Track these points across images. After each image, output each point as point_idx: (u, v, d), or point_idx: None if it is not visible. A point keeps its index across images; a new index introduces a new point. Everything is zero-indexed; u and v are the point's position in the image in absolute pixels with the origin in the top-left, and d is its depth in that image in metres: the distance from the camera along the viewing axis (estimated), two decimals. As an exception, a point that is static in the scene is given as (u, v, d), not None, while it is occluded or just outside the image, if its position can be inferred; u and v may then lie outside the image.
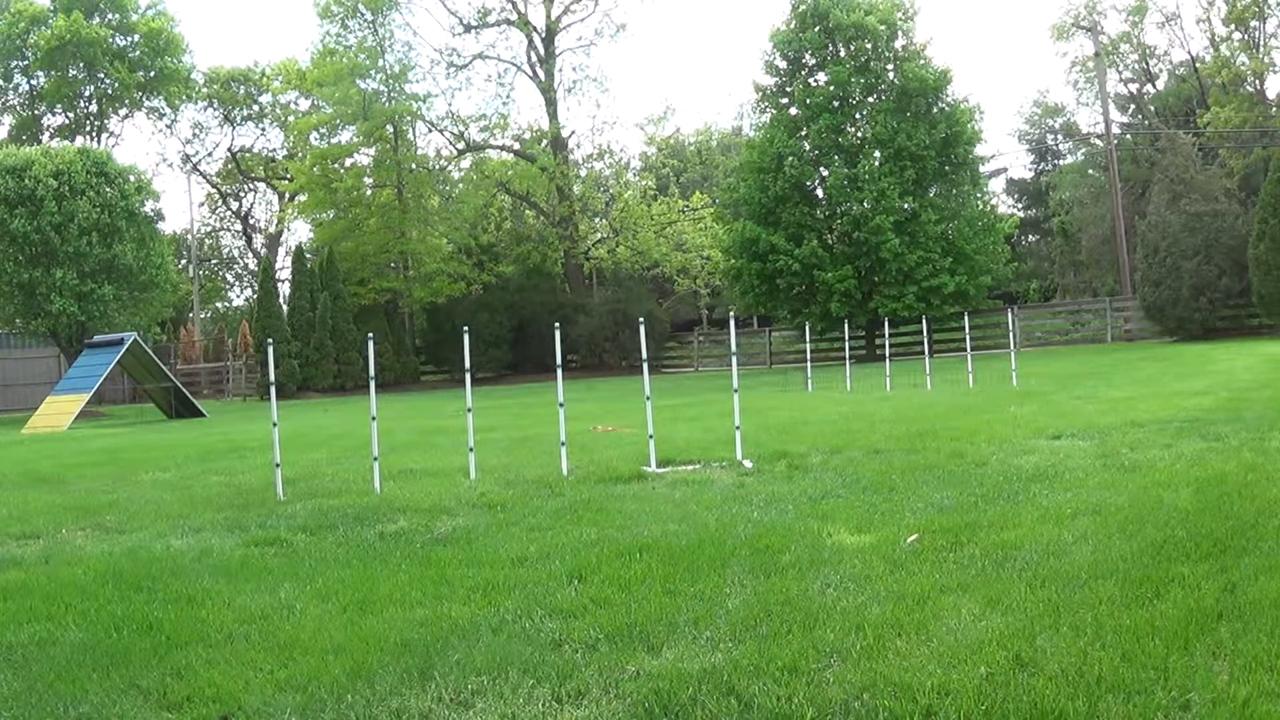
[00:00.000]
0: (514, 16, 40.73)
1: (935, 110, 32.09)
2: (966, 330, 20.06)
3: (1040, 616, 3.55)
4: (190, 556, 5.66)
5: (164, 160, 71.73)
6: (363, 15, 38.79)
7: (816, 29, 32.54)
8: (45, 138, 41.94)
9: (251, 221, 55.71)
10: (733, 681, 3.13)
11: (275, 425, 8.20)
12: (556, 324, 9.17)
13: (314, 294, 35.47)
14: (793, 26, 33.21)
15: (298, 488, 8.17)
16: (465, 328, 10.35)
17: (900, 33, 32.79)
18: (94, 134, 44.40)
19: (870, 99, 32.59)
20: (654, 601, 4.08)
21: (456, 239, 38.92)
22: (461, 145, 41.95)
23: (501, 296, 38.73)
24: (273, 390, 8.84)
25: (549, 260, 40.78)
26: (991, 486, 6.27)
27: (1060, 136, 50.26)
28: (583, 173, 43.43)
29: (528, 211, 43.49)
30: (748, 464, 8.14)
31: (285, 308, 36.57)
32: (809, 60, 33.43)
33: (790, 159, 31.69)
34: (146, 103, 45.52)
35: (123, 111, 45.92)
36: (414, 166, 39.98)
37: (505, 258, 40.27)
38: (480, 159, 42.46)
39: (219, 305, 56.06)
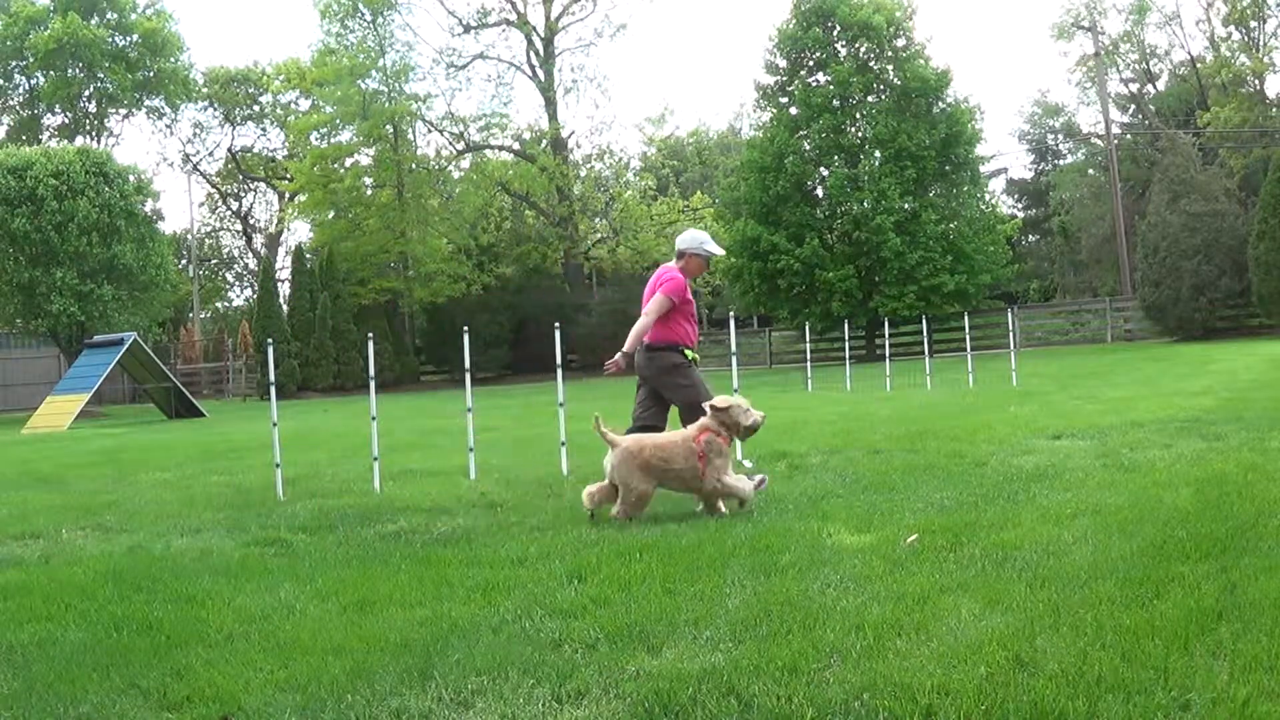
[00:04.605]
0: (513, 17, 40.75)
1: (935, 110, 32.11)
2: (966, 330, 20.04)
3: (1040, 616, 3.55)
4: (190, 556, 5.66)
5: (164, 160, 71.89)
6: (362, 15, 38.79)
7: (818, 28, 32.55)
8: (45, 138, 41.94)
9: (251, 221, 55.73)
10: (733, 681, 3.12)
11: (275, 425, 8.20)
12: (556, 324, 9.16)
13: (314, 294, 35.48)
14: (793, 26, 33.22)
15: (298, 488, 8.17)
16: (465, 328, 10.34)
17: (901, 32, 32.82)
18: (94, 134, 44.39)
19: (870, 99, 32.59)
20: (654, 601, 4.08)
21: (456, 239, 38.91)
22: (461, 145, 41.94)
23: (501, 296, 38.72)
24: (272, 390, 8.83)
25: (549, 260, 40.77)
26: (991, 486, 6.27)
27: (1060, 136, 50.27)
28: (582, 173, 43.44)
29: (528, 211, 43.48)
30: (747, 464, 8.14)
31: (285, 308, 36.56)
32: (810, 59, 33.43)
33: (791, 158, 31.70)
34: (146, 103, 45.53)
35: (122, 111, 45.94)
36: (414, 166, 39.96)
37: (505, 258, 40.25)
38: (480, 159, 42.46)
39: (219, 305, 56.02)
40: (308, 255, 38.43)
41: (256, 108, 50.50)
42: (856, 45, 32.75)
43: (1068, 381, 16.07)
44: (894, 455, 8.02)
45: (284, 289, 41.10)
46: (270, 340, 9.76)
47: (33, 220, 26.11)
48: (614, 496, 5.99)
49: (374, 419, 8.33)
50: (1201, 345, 24.67)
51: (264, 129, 51.12)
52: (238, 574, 5.11)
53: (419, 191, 39.36)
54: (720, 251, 7.45)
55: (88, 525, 6.96)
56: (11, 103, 44.45)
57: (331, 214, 40.07)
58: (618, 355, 6.90)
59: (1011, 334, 20.08)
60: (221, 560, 5.49)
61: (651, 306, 6.87)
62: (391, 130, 38.96)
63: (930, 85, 31.72)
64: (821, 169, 32.76)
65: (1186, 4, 70.08)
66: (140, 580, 5.03)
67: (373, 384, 8.71)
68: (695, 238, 7.17)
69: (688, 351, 6.98)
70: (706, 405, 6.19)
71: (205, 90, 48.77)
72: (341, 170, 39.46)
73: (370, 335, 9.54)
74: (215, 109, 50.53)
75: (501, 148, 42.44)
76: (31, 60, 41.40)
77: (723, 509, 6.00)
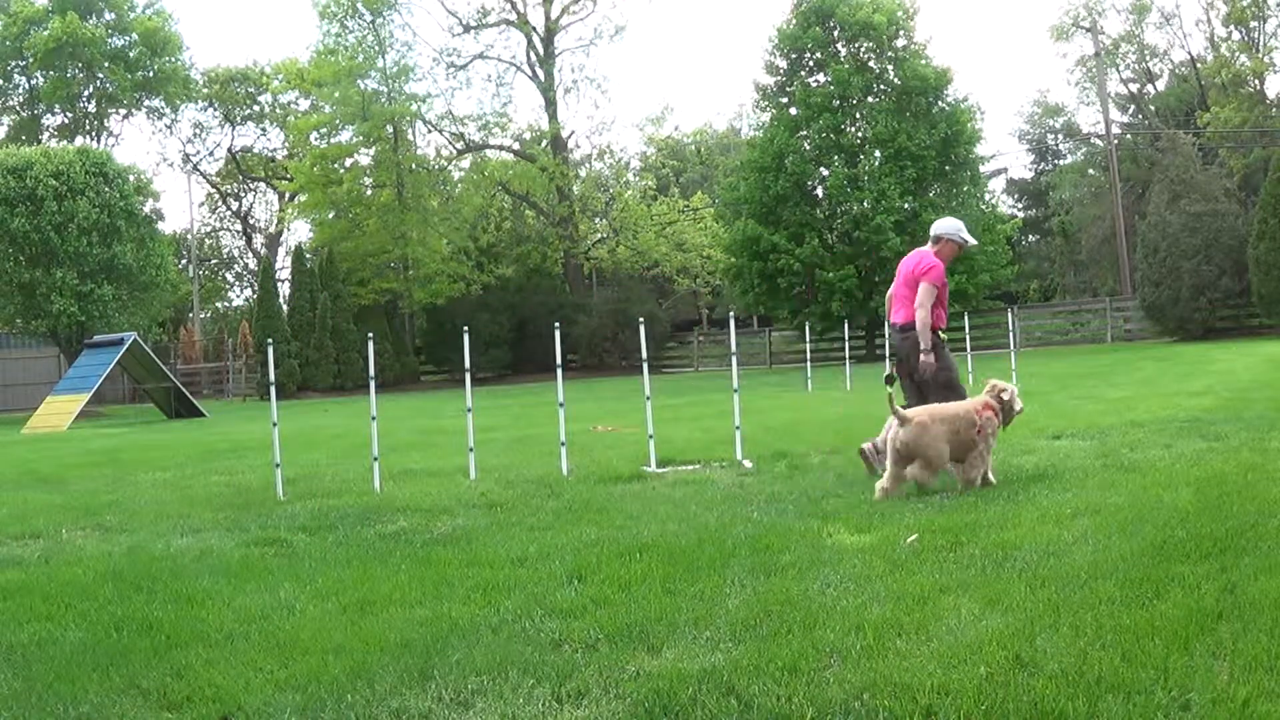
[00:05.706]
0: (513, 17, 40.75)
1: (935, 110, 32.09)
2: (966, 330, 20.03)
3: (1040, 616, 3.55)
4: (190, 556, 5.66)
5: (164, 160, 71.97)
6: (362, 15, 38.79)
7: (818, 27, 32.54)
8: (45, 138, 41.95)
9: (251, 221, 55.72)
10: (733, 681, 3.12)
11: (275, 425, 8.20)
12: (556, 324, 9.16)
13: (314, 294, 35.47)
14: (793, 26, 33.21)
15: (298, 488, 8.17)
16: (465, 328, 10.33)
17: (901, 31, 32.80)
18: (94, 134, 44.39)
19: (870, 98, 32.58)
20: (654, 601, 4.08)
21: (456, 240, 38.90)
22: (461, 145, 41.93)
23: (501, 297, 38.72)
24: (273, 390, 8.83)
25: (549, 260, 40.77)
26: (992, 486, 6.27)
27: (1060, 136, 50.26)
28: (582, 173, 43.43)
29: (528, 211, 43.48)
30: (748, 464, 8.14)
31: (285, 308, 36.56)
32: (809, 60, 33.42)
33: (791, 158, 31.69)
34: (146, 103, 45.53)
35: (122, 111, 45.94)
36: (414, 167, 39.95)
37: (505, 258, 40.26)
38: (480, 159, 42.45)
39: (219, 305, 56.02)
40: (308, 255, 38.43)
41: (256, 108, 50.50)
42: (856, 45, 32.73)
43: (1068, 381, 16.06)
44: (894, 455, 8.00)
45: (284, 289, 41.09)
46: (270, 340, 9.76)
47: (33, 220, 26.11)
48: (900, 478, 6.17)
49: (374, 419, 8.33)
50: (1201, 345, 24.66)
51: (264, 129, 51.16)
52: (238, 574, 5.10)
53: (419, 192, 39.36)
54: (974, 241, 7.66)
55: (88, 525, 6.95)
56: (11, 103, 44.46)
57: (331, 214, 40.07)
58: (923, 356, 6.97)
59: (1011, 334, 20.06)
60: (221, 560, 5.48)
61: (922, 297, 7.12)
62: (391, 130, 38.95)
63: (930, 85, 31.71)
64: (821, 169, 32.75)
65: (1186, 4, 70.05)
66: (140, 580, 5.03)
67: (373, 384, 8.72)
68: (953, 225, 7.64)
69: (939, 332, 7.23)
70: (990, 383, 6.53)
71: (205, 90, 48.76)
72: (341, 170, 39.46)
73: (370, 335, 9.54)
74: (215, 109, 50.53)
75: (501, 148, 42.46)
76: (31, 60, 41.41)
77: (990, 479, 6.27)
